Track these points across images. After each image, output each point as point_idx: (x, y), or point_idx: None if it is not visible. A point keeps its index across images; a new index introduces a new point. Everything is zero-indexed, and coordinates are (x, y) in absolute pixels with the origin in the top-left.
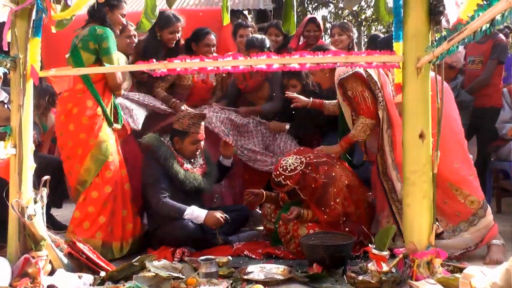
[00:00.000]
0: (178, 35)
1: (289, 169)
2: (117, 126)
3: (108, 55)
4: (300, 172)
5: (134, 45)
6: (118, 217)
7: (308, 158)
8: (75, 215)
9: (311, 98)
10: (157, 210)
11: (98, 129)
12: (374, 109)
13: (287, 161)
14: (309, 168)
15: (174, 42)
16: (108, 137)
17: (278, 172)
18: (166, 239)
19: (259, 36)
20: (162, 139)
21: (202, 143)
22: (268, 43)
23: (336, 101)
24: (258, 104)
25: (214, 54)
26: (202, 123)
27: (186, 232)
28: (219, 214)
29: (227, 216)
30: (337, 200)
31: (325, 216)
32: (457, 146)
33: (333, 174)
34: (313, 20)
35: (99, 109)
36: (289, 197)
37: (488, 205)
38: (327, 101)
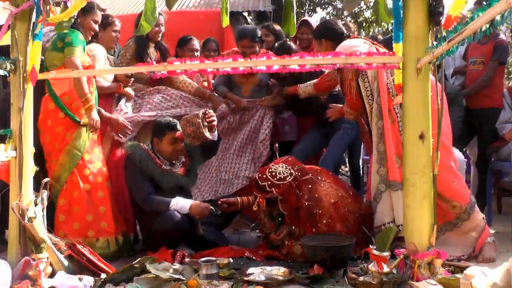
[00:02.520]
0: (163, 28)
1: (277, 177)
2: (84, 120)
3: (69, 46)
4: (288, 184)
5: (117, 40)
6: (108, 212)
7: (296, 172)
8: (60, 218)
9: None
10: (145, 208)
11: (75, 124)
12: (357, 103)
13: (277, 168)
14: (295, 183)
15: (160, 36)
16: (84, 133)
17: (265, 176)
18: (158, 235)
19: (250, 26)
20: (140, 144)
21: (182, 144)
22: (259, 33)
23: (312, 82)
24: (245, 89)
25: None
26: (178, 125)
27: (173, 222)
28: (204, 205)
29: (213, 209)
30: (324, 221)
31: (314, 230)
32: (441, 152)
33: (317, 195)
34: (305, 22)
35: (75, 105)
36: (267, 204)
37: (474, 209)
38: (301, 85)
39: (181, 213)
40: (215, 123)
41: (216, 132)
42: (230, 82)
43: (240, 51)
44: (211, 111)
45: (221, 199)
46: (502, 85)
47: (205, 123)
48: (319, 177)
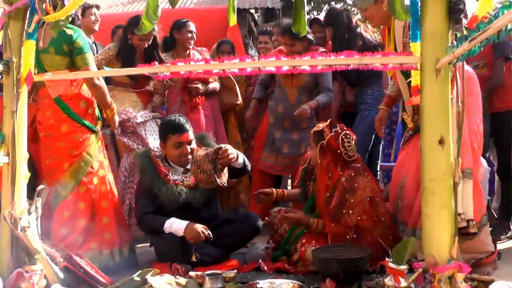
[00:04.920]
0: (149, 42)
1: (344, 141)
2: (98, 127)
3: (81, 53)
4: (339, 152)
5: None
6: (112, 222)
7: (352, 157)
8: (62, 232)
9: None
10: (140, 229)
11: (90, 130)
12: None
13: (352, 141)
14: (343, 162)
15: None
16: (95, 138)
17: (345, 129)
18: (158, 254)
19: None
20: (150, 149)
21: (192, 146)
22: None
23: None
24: (290, 92)
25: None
26: (186, 125)
27: (165, 246)
28: (200, 228)
29: (210, 233)
30: (350, 212)
31: (333, 224)
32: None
33: (356, 184)
34: (317, 20)
35: (91, 109)
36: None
37: (481, 231)
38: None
39: (177, 237)
40: (233, 159)
41: (241, 160)
42: (275, 82)
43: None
44: (227, 146)
45: (258, 191)
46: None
47: (219, 166)
48: (365, 173)
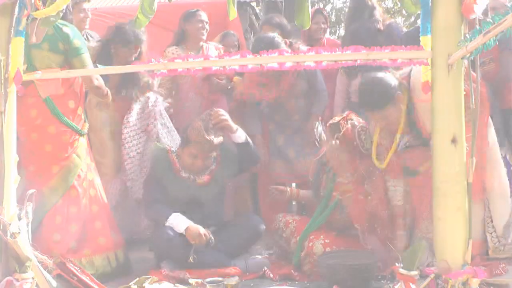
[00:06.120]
0: (136, 55)
1: (361, 135)
2: (85, 131)
3: (79, 55)
4: (355, 145)
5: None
6: (105, 227)
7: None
8: (54, 238)
9: None
10: (146, 216)
11: (78, 132)
12: None
13: (369, 138)
14: (358, 155)
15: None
16: (83, 139)
17: (355, 122)
18: (154, 249)
19: (268, 34)
20: (168, 145)
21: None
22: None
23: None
24: (288, 105)
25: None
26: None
27: (164, 241)
28: (203, 231)
29: (212, 238)
30: (369, 197)
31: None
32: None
33: (373, 176)
34: (320, 11)
35: (80, 110)
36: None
37: None
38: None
39: (176, 233)
40: (226, 122)
41: (240, 132)
42: (272, 110)
43: None
44: (221, 110)
45: (272, 186)
46: None
47: (210, 126)
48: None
